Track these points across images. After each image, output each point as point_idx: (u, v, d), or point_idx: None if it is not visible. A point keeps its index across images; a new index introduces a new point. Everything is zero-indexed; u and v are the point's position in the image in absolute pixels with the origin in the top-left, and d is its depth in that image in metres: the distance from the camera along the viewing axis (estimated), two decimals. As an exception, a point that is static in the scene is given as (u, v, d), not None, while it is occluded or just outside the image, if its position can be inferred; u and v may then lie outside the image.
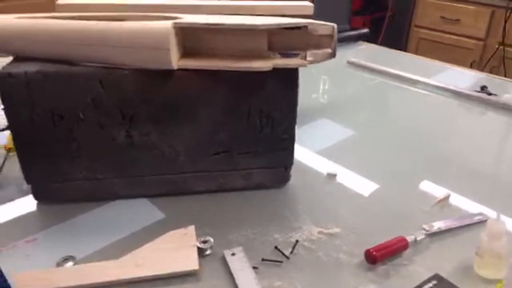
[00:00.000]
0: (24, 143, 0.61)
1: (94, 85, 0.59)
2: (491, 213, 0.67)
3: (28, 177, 0.64)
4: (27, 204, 0.67)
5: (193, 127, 0.64)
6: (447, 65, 1.30)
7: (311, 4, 0.90)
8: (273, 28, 0.60)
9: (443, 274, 0.56)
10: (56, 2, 0.79)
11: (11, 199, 0.68)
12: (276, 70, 0.61)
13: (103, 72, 0.59)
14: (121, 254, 0.57)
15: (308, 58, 0.62)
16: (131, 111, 0.62)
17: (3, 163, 0.75)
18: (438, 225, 0.63)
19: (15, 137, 0.61)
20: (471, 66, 2.21)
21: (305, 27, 0.61)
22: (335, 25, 0.59)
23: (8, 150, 0.78)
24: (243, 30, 0.61)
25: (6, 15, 0.61)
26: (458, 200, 0.71)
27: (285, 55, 0.63)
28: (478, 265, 0.56)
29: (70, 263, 0.56)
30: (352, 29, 1.52)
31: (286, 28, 0.62)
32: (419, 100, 1.08)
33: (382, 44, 1.87)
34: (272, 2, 0.90)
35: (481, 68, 2.21)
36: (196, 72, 0.61)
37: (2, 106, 0.58)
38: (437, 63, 1.33)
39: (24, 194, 0.69)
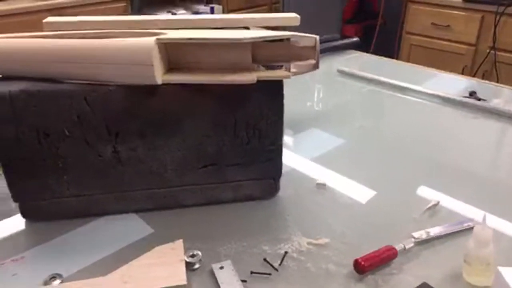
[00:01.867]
0: (10, 161, 0.61)
1: (79, 102, 0.59)
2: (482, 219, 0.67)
3: (15, 195, 0.64)
4: (15, 222, 0.67)
5: (180, 141, 0.64)
6: (437, 72, 1.31)
7: (297, 16, 0.91)
8: (256, 41, 0.60)
9: (432, 282, 0.56)
10: (43, 21, 0.80)
11: None
12: (260, 82, 0.61)
13: (88, 89, 0.59)
14: (109, 271, 0.57)
15: (292, 70, 0.63)
16: (117, 127, 0.62)
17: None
18: (427, 232, 0.63)
19: (1, 155, 0.61)
20: (463, 71, 2.23)
21: (287, 39, 0.61)
22: (317, 37, 0.60)
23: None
24: (227, 44, 0.61)
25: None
26: (449, 206, 0.71)
27: (269, 67, 0.64)
28: (467, 273, 0.55)
29: (57, 281, 0.56)
30: (344, 37, 1.53)
31: (269, 41, 0.62)
32: (409, 107, 1.08)
33: (375, 52, 1.88)
34: (259, 15, 0.91)
35: (474, 73, 2.22)
36: (181, 86, 0.61)
37: (-12, 125, 0.58)
38: (427, 70, 1.33)
39: (12, 212, 0.68)
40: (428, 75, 1.28)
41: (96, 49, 0.58)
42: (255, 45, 0.62)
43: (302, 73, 0.63)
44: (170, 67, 0.64)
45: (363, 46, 1.51)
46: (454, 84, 1.21)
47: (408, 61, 2.41)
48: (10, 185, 0.63)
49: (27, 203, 0.65)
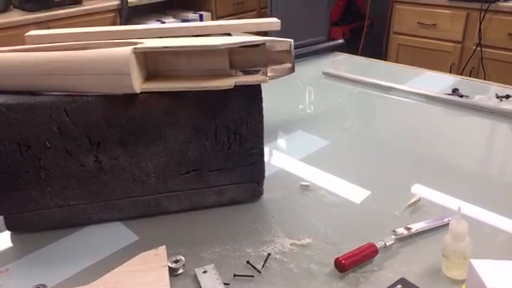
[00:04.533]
0: (-7, 175, 0.62)
1: (58, 113, 0.60)
2: (466, 212, 0.68)
3: (-1, 208, 0.65)
4: (0, 234, 0.68)
5: (161, 147, 0.65)
6: (423, 70, 1.32)
7: (278, 21, 0.92)
8: (232, 47, 0.61)
9: (412, 277, 0.57)
10: (25, 34, 0.81)
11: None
12: (238, 87, 0.62)
13: (67, 100, 0.60)
14: (93, 279, 0.57)
15: (269, 74, 0.64)
16: (98, 137, 0.63)
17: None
18: (408, 228, 0.64)
19: (-16, 169, 0.61)
20: (451, 69, 2.25)
21: (263, 44, 0.62)
22: (292, 41, 0.61)
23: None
24: (203, 51, 0.62)
25: (-31, 51, 0.62)
26: (431, 202, 0.72)
27: (247, 72, 0.65)
28: (446, 267, 0.56)
29: (41, 292, 0.56)
30: (331, 40, 1.54)
31: (246, 46, 0.64)
32: (395, 107, 1.10)
33: (363, 53, 1.90)
34: (240, 21, 0.92)
35: (461, 70, 2.24)
36: (160, 94, 0.62)
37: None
38: (413, 69, 1.35)
39: (-1, 225, 0.69)
40: (414, 74, 1.29)
41: (73, 60, 0.59)
42: (232, 51, 0.63)
43: (279, 76, 0.64)
44: (149, 76, 0.65)
45: (352, 48, 1.52)
46: (440, 82, 1.22)
47: (396, 61, 2.44)
48: (-6, 198, 0.63)
49: (11, 215, 0.66)
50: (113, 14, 2.55)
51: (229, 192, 0.71)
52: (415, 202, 0.71)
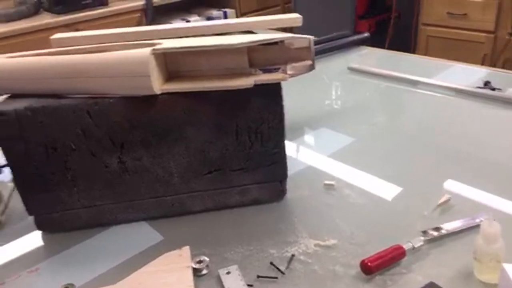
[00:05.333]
0: (22, 177, 0.63)
1: (82, 116, 0.61)
2: (501, 212, 0.65)
3: (29, 209, 0.66)
4: (32, 234, 0.69)
5: (183, 148, 0.65)
6: (452, 63, 1.27)
7: (300, 16, 0.91)
8: (250, 46, 0.61)
9: (442, 280, 0.54)
10: (50, 37, 0.83)
11: (18, 231, 0.70)
12: (259, 86, 0.61)
13: (90, 103, 0.60)
14: (120, 279, 0.58)
15: (289, 72, 0.63)
16: (121, 138, 0.63)
17: (9, 197, 0.78)
18: (438, 229, 0.62)
19: (13, 171, 0.63)
20: (483, 60, 2.16)
21: (282, 41, 0.61)
22: (312, 38, 0.59)
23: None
24: (222, 50, 0.61)
25: (-3, 56, 0.64)
26: (462, 201, 0.69)
27: (266, 70, 0.64)
28: (478, 270, 0.54)
29: (69, 292, 0.57)
30: (357, 34, 1.51)
31: (265, 44, 0.63)
32: (422, 101, 1.06)
33: (390, 46, 1.84)
34: (261, 18, 0.91)
35: (494, 61, 2.16)
36: (181, 95, 0.62)
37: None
38: (441, 62, 1.30)
39: (30, 224, 0.71)
40: (444, 67, 1.25)
41: (95, 63, 0.59)
42: (251, 49, 0.63)
43: (299, 74, 0.62)
44: (170, 76, 0.65)
45: (378, 41, 1.48)
46: (470, 74, 1.17)
47: (426, 54, 2.37)
48: (24, 199, 0.65)
49: (41, 216, 0.67)
50: (138, 14, 2.58)
51: (252, 191, 0.70)
52: (445, 202, 0.68)
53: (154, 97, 0.61)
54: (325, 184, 0.75)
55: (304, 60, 0.61)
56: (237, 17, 2.86)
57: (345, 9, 2.55)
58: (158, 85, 0.60)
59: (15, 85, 0.62)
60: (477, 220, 0.64)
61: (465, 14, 2.22)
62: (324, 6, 2.62)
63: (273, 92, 0.63)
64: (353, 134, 0.92)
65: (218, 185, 0.69)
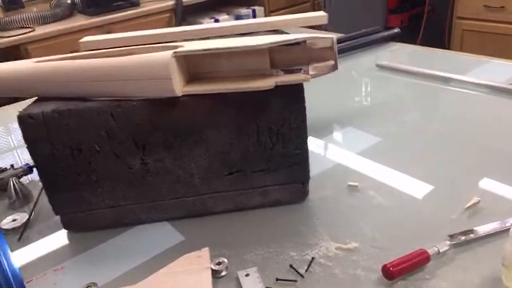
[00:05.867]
0: (48, 177, 0.66)
1: (105, 118, 0.62)
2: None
3: (55, 209, 0.68)
4: (59, 233, 0.72)
5: (204, 149, 0.65)
6: (487, 58, 1.22)
7: (325, 14, 0.89)
8: (272, 46, 0.60)
9: (469, 287, 0.52)
10: (79, 41, 0.85)
11: (45, 230, 0.73)
12: (280, 87, 0.60)
13: (113, 105, 0.62)
14: (141, 279, 0.59)
15: (311, 72, 0.62)
16: (143, 140, 0.64)
17: (39, 196, 0.80)
18: (465, 233, 0.60)
19: (40, 172, 0.65)
20: (522, 54, 2.07)
21: (304, 42, 0.60)
22: (334, 37, 0.58)
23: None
24: (244, 52, 0.61)
25: (26, 60, 0.66)
26: (494, 201, 0.66)
27: (288, 71, 0.63)
28: (506, 277, 0.51)
29: (92, 290, 0.59)
30: (387, 29, 1.47)
31: (286, 45, 0.62)
32: (455, 99, 1.02)
33: (423, 41, 1.78)
34: (286, 17, 0.91)
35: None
36: (202, 96, 0.62)
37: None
38: (475, 58, 1.25)
39: (56, 223, 0.73)
40: (478, 63, 1.20)
41: (118, 67, 0.60)
42: (272, 50, 0.62)
43: (322, 75, 0.61)
44: (191, 78, 0.65)
45: (411, 37, 1.44)
46: (507, 70, 1.12)
47: (461, 49, 2.29)
48: (50, 199, 0.67)
49: (67, 215, 0.69)
50: (168, 14, 2.62)
51: (273, 193, 0.70)
52: (473, 205, 0.66)
53: (176, 99, 0.61)
54: (349, 185, 0.74)
55: (327, 60, 0.60)
56: (265, 14, 2.85)
57: (376, 3, 2.50)
58: (179, 87, 0.61)
59: (42, 88, 0.64)
60: (508, 224, 0.61)
61: (503, 7, 2.12)
62: (354, 1, 2.57)
63: (294, 93, 0.62)
64: (381, 132, 0.90)
65: (239, 186, 0.69)
